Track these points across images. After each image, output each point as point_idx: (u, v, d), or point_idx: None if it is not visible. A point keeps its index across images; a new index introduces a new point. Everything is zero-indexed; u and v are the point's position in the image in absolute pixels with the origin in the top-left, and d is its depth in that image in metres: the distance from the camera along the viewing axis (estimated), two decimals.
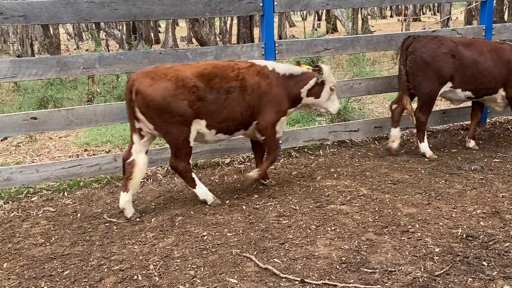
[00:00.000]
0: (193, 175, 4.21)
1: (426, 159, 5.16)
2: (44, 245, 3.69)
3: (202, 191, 4.24)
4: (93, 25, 20.23)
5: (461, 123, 6.43)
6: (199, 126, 4.09)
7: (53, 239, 3.78)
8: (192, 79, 3.98)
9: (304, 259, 3.28)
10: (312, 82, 4.47)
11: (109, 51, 16.69)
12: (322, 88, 4.53)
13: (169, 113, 3.92)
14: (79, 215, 4.21)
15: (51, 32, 16.94)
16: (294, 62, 4.87)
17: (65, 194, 4.68)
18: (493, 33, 6.11)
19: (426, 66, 5.04)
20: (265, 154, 4.56)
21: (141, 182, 4.87)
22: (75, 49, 25.48)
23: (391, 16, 46.08)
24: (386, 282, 2.96)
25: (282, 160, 5.33)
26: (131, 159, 4.06)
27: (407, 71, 5.16)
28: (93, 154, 5.85)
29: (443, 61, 5.02)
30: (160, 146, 5.92)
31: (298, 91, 4.46)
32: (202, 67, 4.12)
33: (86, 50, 22.41)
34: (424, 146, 5.25)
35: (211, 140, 4.31)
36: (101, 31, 21.89)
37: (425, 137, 5.26)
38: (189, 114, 3.98)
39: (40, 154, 6.03)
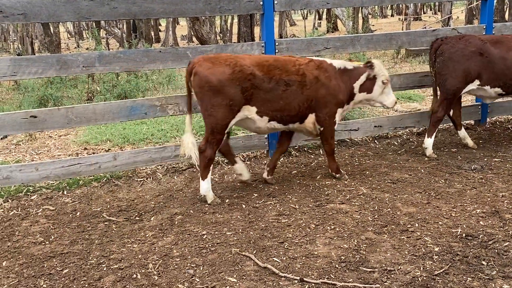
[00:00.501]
0: (211, 168, 4.27)
1: (426, 158, 5.16)
2: (43, 243, 3.69)
3: (207, 186, 4.27)
4: (94, 24, 20.21)
5: (461, 122, 6.41)
6: (247, 112, 4.24)
7: (52, 237, 3.78)
8: (250, 67, 4.15)
9: (303, 258, 3.27)
10: (363, 77, 4.59)
11: (109, 50, 16.69)
12: (374, 82, 4.62)
13: (220, 96, 4.08)
14: (78, 213, 4.20)
15: (52, 30, 16.94)
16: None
17: (65, 192, 4.68)
18: (493, 32, 6.09)
19: (453, 65, 5.11)
20: (283, 154, 4.82)
21: (141, 180, 4.87)
22: (75, 47, 25.47)
23: (392, 15, 46.03)
24: (385, 281, 2.96)
25: (282, 159, 5.33)
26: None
27: (436, 72, 5.26)
28: (93, 153, 5.84)
29: (470, 59, 5.08)
30: (160, 144, 5.92)
31: (351, 86, 4.59)
32: (263, 58, 4.35)
33: (87, 49, 22.39)
34: (429, 143, 5.29)
35: (263, 127, 4.41)
36: (101, 30, 21.88)
37: (434, 134, 5.30)
38: (239, 100, 4.14)
39: (40, 153, 6.03)
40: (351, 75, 4.58)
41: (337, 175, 4.67)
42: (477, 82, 5.16)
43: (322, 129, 4.53)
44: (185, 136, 4.24)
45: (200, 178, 4.27)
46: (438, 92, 5.31)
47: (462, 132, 5.56)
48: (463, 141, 5.54)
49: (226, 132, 4.23)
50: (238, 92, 4.11)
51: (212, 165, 4.28)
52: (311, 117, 4.47)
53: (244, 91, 4.13)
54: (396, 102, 4.78)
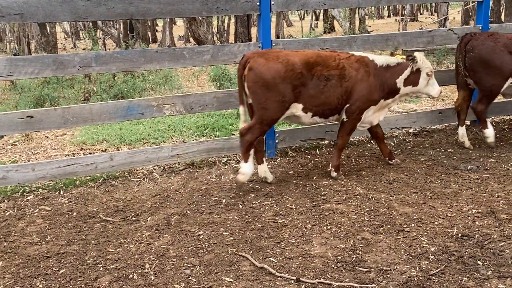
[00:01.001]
0: (252, 152, 4.41)
1: (422, 159, 5.17)
2: (39, 244, 3.69)
3: (248, 168, 4.38)
4: (90, 24, 20.19)
5: (457, 123, 6.43)
6: (295, 109, 4.41)
7: (48, 238, 3.78)
8: (300, 65, 4.29)
9: (300, 258, 3.28)
10: (407, 72, 4.66)
11: (106, 50, 16.65)
12: (418, 75, 4.70)
13: (273, 93, 4.23)
14: (75, 214, 4.20)
15: (48, 30, 16.91)
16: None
17: (61, 193, 4.68)
18: None
19: (486, 62, 5.16)
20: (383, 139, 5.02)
21: (137, 181, 4.87)
22: (72, 48, 25.40)
23: (389, 16, 46.13)
24: (381, 281, 2.97)
25: (278, 159, 5.33)
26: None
27: (467, 68, 5.31)
28: (89, 153, 5.84)
29: (502, 58, 5.13)
30: (156, 145, 5.92)
31: (394, 82, 4.66)
32: (308, 55, 4.41)
33: (83, 49, 22.35)
34: (489, 132, 5.41)
35: (307, 123, 4.61)
36: (98, 30, 21.84)
37: (488, 123, 5.40)
38: (290, 98, 4.30)
39: (36, 153, 6.02)
40: (394, 71, 4.66)
41: (335, 174, 4.69)
42: (510, 80, 5.22)
43: (345, 120, 4.61)
44: (240, 125, 4.46)
45: (242, 160, 4.40)
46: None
47: (463, 130, 5.58)
48: (460, 139, 5.56)
49: (272, 126, 4.46)
50: (289, 89, 4.27)
51: (252, 148, 4.41)
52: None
53: (294, 88, 4.29)
54: (441, 91, 4.87)
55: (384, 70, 4.62)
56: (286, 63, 4.24)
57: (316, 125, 5.18)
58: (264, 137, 4.64)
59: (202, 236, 3.66)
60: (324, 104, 4.44)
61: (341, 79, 4.42)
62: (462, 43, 5.38)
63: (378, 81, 4.57)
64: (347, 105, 4.53)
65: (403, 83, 4.69)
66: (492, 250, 3.28)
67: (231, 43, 18.13)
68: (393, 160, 5.03)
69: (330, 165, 4.75)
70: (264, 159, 4.69)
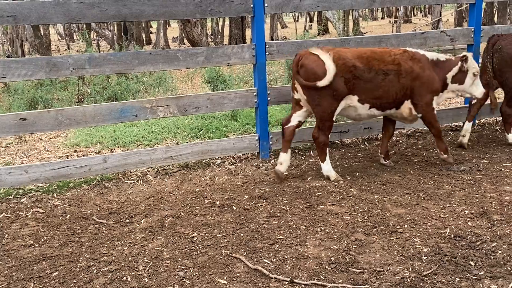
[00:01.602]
0: (327, 150, 4.71)
1: (415, 160, 5.20)
2: (33, 246, 3.68)
3: (328, 167, 4.71)
4: (84, 26, 20.13)
5: (450, 124, 6.48)
6: (349, 101, 4.60)
7: (42, 240, 3.77)
8: (352, 60, 4.50)
9: (293, 259, 3.29)
10: (456, 69, 4.83)
11: (100, 52, 16.63)
12: (465, 74, 4.87)
13: (325, 87, 4.39)
14: (68, 216, 4.19)
15: (42, 32, 16.86)
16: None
17: (55, 195, 4.66)
18: (481, 35, 6.16)
19: None
20: (391, 137, 5.24)
21: (131, 183, 4.87)
22: (65, 49, 25.34)
23: (383, 17, 46.27)
24: (375, 282, 2.98)
25: (273, 161, 5.34)
26: (288, 125, 4.77)
27: (494, 68, 5.39)
28: (83, 155, 5.82)
29: None
30: (150, 147, 5.91)
31: (444, 77, 4.84)
32: (362, 51, 4.67)
33: (77, 51, 22.30)
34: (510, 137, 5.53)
35: (364, 114, 4.76)
36: (92, 32, 21.79)
37: None
38: (343, 90, 4.49)
39: (30, 155, 6.00)
40: (443, 66, 4.83)
41: (445, 156, 4.95)
42: None
43: (422, 116, 4.81)
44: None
45: (320, 162, 4.73)
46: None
47: (468, 126, 5.60)
48: (462, 134, 5.58)
49: (333, 120, 4.64)
50: (341, 82, 4.46)
51: (328, 147, 4.72)
52: (407, 104, 4.76)
53: (346, 81, 4.48)
54: (484, 93, 5.01)
55: (434, 64, 4.80)
56: (337, 58, 4.45)
57: (310, 127, 5.19)
58: (294, 130, 4.80)
59: (196, 238, 3.66)
60: (382, 97, 4.64)
61: (398, 75, 4.61)
62: (489, 43, 5.45)
63: (434, 73, 4.76)
64: (411, 101, 4.73)
65: (451, 80, 4.85)
66: (484, 251, 3.30)
67: (225, 45, 18.15)
68: (388, 161, 5.09)
69: (438, 150, 5.00)
70: (289, 150, 4.84)
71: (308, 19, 35.67)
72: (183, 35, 19.70)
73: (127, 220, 4.04)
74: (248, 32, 21.95)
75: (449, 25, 26.39)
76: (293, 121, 4.77)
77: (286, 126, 4.78)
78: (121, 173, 5.07)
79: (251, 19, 5.26)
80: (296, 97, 4.69)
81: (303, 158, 5.43)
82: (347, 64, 4.47)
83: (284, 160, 4.75)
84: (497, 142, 5.74)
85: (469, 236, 3.50)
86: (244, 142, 5.36)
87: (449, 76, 4.84)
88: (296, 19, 37.09)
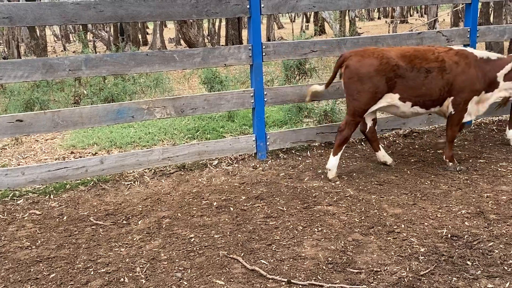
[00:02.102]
0: (343, 147, 4.80)
1: (412, 160, 5.21)
2: (30, 248, 3.67)
3: (334, 163, 4.75)
4: (80, 27, 20.10)
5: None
6: (390, 99, 4.69)
7: (39, 242, 3.76)
8: (395, 59, 4.60)
9: (291, 260, 3.29)
10: (508, 67, 4.87)
11: (96, 53, 16.60)
12: None
13: (366, 84, 4.57)
14: (65, 218, 4.18)
15: (38, 34, 16.80)
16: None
17: (51, 196, 4.65)
18: (477, 35, 6.18)
19: None
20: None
21: (128, 184, 4.86)
22: (62, 50, 25.30)
23: (379, 18, 46.35)
24: (372, 282, 2.99)
25: (270, 161, 5.34)
26: (367, 128, 4.99)
27: None
28: (80, 157, 5.81)
29: None
30: (147, 148, 5.91)
31: (494, 75, 4.86)
32: (405, 50, 4.76)
33: (73, 52, 22.26)
34: None
35: (407, 112, 4.83)
36: (88, 33, 21.76)
37: None
38: (383, 88, 4.60)
39: (26, 157, 5.99)
40: (494, 65, 4.85)
41: (450, 164, 4.91)
42: None
43: (453, 113, 4.80)
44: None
45: (332, 154, 4.75)
46: None
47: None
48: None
49: (363, 117, 4.77)
50: (383, 81, 4.56)
51: (345, 144, 4.80)
52: (449, 101, 4.78)
53: (388, 80, 4.58)
54: None
55: (484, 62, 4.81)
56: (381, 57, 4.57)
57: (307, 127, 5.19)
58: (375, 127, 5.01)
59: (193, 239, 3.66)
60: (425, 95, 4.69)
61: (442, 72, 4.64)
62: None
63: (479, 72, 4.76)
64: (452, 97, 4.74)
65: (503, 78, 4.88)
66: (481, 250, 3.31)
67: (221, 45, 18.13)
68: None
69: (444, 157, 4.96)
70: (380, 146, 5.07)
71: (304, 19, 35.70)
72: (180, 36, 19.69)
73: (124, 222, 4.03)
74: (244, 33, 21.94)
75: (445, 25, 26.46)
76: (368, 122, 4.97)
77: (366, 131, 4.99)
78: (118, 174, 5.06)
79: (247, 20, 5.26)
80: None
81: (300, 158, 5.44)
82: (390, 63, 4.56)
83: (382, 155, 5.06)
84: (493, 142, 5.76)
85: (466, 236, 3.51)
86: (241, 143, 5.37)
87: (501, 74, 4.85)
88: (293, 20, 37.11)
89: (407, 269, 3.12)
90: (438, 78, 4.65)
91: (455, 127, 4.90)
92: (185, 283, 3.08)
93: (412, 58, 4.63)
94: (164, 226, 3.91)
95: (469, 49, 4.85)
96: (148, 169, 5.18)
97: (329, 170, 4.74)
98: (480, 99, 4.88)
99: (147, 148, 5.93)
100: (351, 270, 3.13)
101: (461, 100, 4.74)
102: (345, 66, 4.68)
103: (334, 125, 5.81)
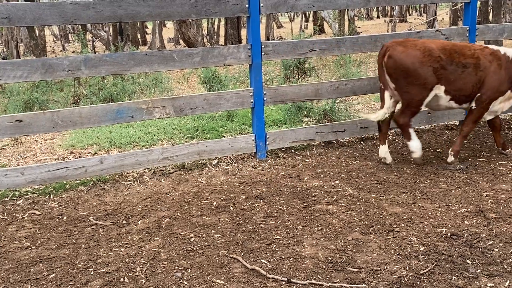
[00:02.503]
0: (411, 130, 4.86)
1: (411, 159, 5.21)
2: (29, 248, 3.67)
3: (415, 144, 4.86)
4: (79, 27, 20.08)
5: (446, 123, 6.50)
6: (438, 90, 4.75)
7: (38, 242, 3.76)
8: (437, 51, 4.67)
9: (291, 259, 3.29)
10: None
11: (95, 53, 16.58)
12: None
13: (413, 77, 4.63)
14: (65, 218, 4.18)
15: (37, 34, 16.79)
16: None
17: (51, 197, 4.65)
18: (476, 34, 6.18)
19: None
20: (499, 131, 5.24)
21: (128, 184, 4.86)
22: (61, 50, 25.29)
23: (378, 17, 46.38)
24: (372, 281, 2.99)
25: (269, 161, 5.35)
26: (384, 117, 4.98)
27: None
28: (79, 157, 5.81)
29: None
30: (146, 148, 5.91)
31: None
32: (444, 43, 4.85)
33: (73, 52, 22.26)
34: None
35: (443, 105, 4.90)
36: (87, 33, 21.74)
37: None
38: (432, 80, 4.66)
39: (26, 157, 5.99)
40: None
41: (452, 158, 4.96)
42: None
43: (474, 108, 4.87)
44: (380, 109, 5.02)
45: (407, 141, 4.91)
46: None
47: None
48: None
49: (421, 108, 4.82)
50: (430, 72, 4.62)
51: (410, 128, 4.85)
52: (475, 97, 4.86)
53: (435, 71, 4.64)
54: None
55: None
56: (424, 49, 4.63)
57: (306, 127, 5.18)
58: (391, 120, 5.04)
59: (193, 238, 3.66)
60: (461, 89, 4.76)
61: (476, 68, 4.72)
62: None
63: (508, 74, 4.81)
64: (478, 94, 4.79)
65: None
66: (481, 249, 3.31)
67: (221, 45, 18.14)
68: (507, 150, 5.21)
69: (451, 149, 5.00)
70: (386, 140, 5.10)
71: (303, 19, 35.70)
72: (179, 36, 19.68)
73: (124, 221, 4.03)
74: (243, 32, 21.94)
75: (444, 24, 26.48)
76: (388, 112, 4.97)
77: (382, 120, 5.00)
78: (118, 174, 5.06)
79: (246, 19, 5.26)
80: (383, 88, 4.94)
81: (299, 158, 5.44)
82: (433, 54, 4.62)
83: (384, 151, 5.08)
84: (492, 141, 5.75)
85: (465, 235, 3.52)
86: (240, 142, 5.37)
87: None
88: (292, 19, 37.13)
89: (407, 268, 3.12)
90: (473, 75, 4.71)
91: (473, 124, 4.94)
92: (185, 283, 3.08)
93: (451, 52, 4.69)
94: (164, 226, 3.91)
95: (502, 50, 4.88)
96: (147, 169, 5.19)
97: (413, 152, 4.87)
98: (506, 97, 4.93)
99: (147, 148, 5.93)
100: (351, 269, 3.14)
101: (487, 98, 4.80)
102: (388, 56, 4.72)
103: (334, 124, 5.82)
